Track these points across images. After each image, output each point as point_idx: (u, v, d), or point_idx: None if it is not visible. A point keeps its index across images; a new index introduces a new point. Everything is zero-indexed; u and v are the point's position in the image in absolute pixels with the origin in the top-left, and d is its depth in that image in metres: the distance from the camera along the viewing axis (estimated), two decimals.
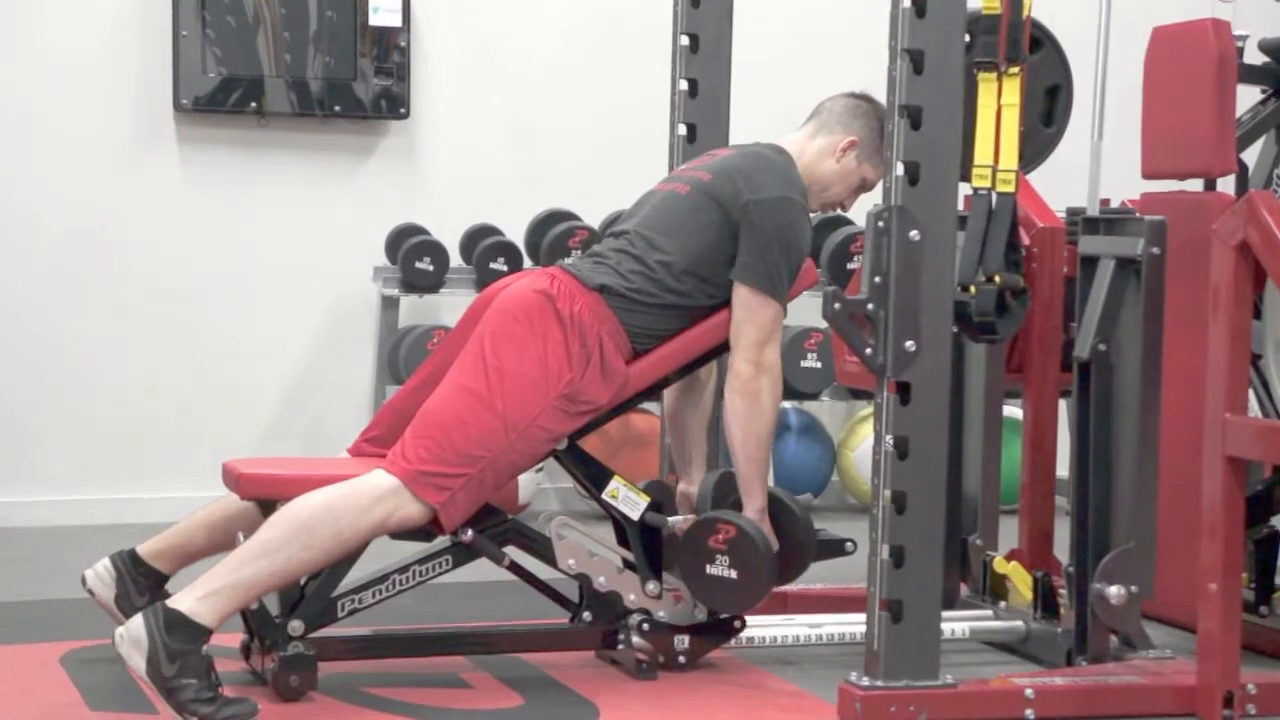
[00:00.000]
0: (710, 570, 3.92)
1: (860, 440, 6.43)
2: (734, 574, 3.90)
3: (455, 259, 6.28)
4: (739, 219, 3.95)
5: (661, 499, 4.07)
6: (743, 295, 3.95)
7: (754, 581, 3.92)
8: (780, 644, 4.19)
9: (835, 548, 4.20)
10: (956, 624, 4.23)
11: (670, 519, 4.03)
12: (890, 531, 3.61)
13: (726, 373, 3.98)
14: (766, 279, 3.94)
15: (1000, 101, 3.86)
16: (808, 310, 5.29)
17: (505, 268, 6.09)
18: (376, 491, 3.73)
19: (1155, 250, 3.90)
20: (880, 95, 3.78)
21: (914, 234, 3.58)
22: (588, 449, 4.03)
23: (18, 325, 6.04)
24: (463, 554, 3.92)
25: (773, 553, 3.93)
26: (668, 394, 4.25)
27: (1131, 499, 3.95)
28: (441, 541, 3.91)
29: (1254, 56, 4.65)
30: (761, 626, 4.17)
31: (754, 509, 3.96)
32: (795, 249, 3.98)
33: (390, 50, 6.25)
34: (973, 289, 3.89)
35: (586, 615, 4.05)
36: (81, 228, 6.08)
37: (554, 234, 6.13)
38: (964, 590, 4.46)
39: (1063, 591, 4.15)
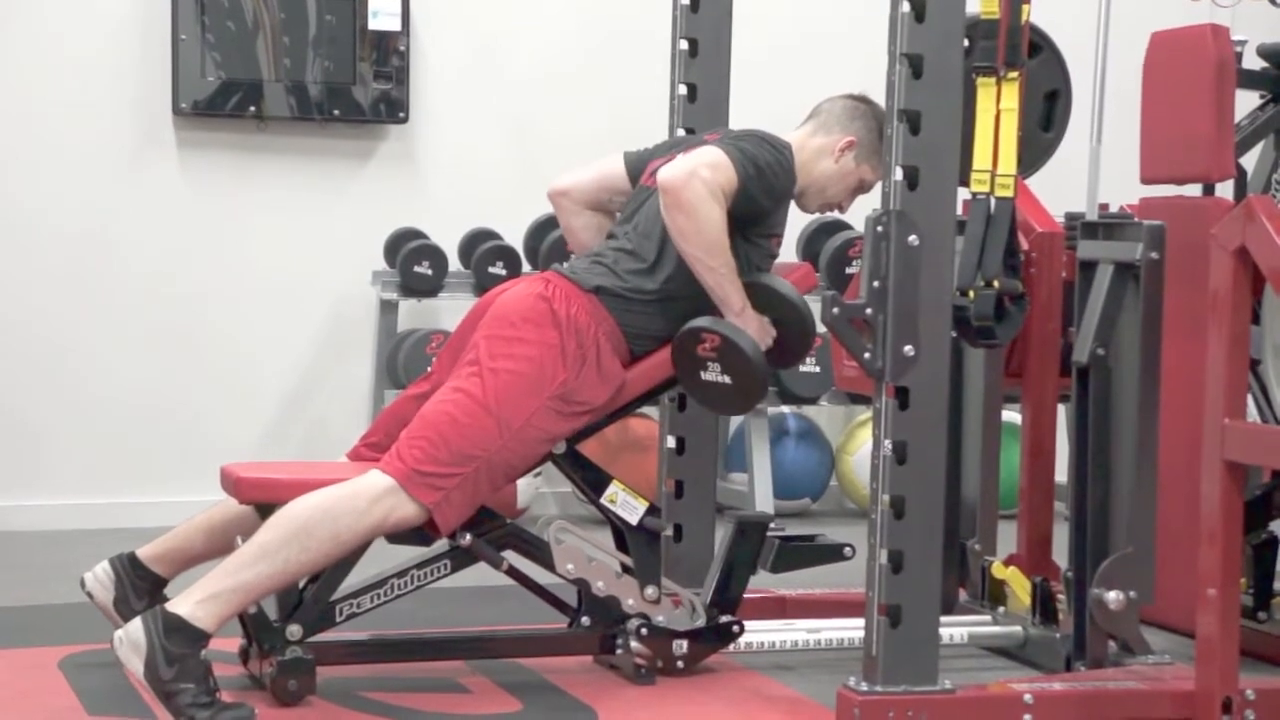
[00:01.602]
0: (705, 376, 3.90)
1: (859, 445, 6.43)
2: (727, 379, 3.88)
3: (454, 263, 6.28)
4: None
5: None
6: (699, 149, 3.89)
7: (748, 383, 3.88)
8: (779, 649, 4.19)
9: (834, 552, 4.21)
10: (955, 629, 4.23)
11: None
12: (889, 536, 3.60)
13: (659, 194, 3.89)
14: (731, 147, 3.88)
15: (999, 106, 3.87)
16: None
17: (504, 272, 6.09)
18: (373, 492, 3.73)
19: (1154, 255, 3.90)
20: (879, 98, 3.78)
21: (913, 239, 3.58)
22: (586, 453, 4.04)
23: (18, 329, 6.05)
24: (461, 558, 3.92)
25: (759, 353, 3.88)
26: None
27: (1130, 504, 3.95)
28: (440, 546, 3.91)
29: (1253, 61, 4.65)
30: (760, 631, 4.17)
31: (733, 312, 3.91)
32: (770, 161, 3.92)
33: (389, 54, 6.26)
34: (971, 294, 3.89)
35: (585, 620, 4.05)
36: (81, 231, 6.09)
37: (553, 238, 6.13)
38: (962, 595, 4.46)
39: (1061, 596, 4.15)
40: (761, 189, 3.92)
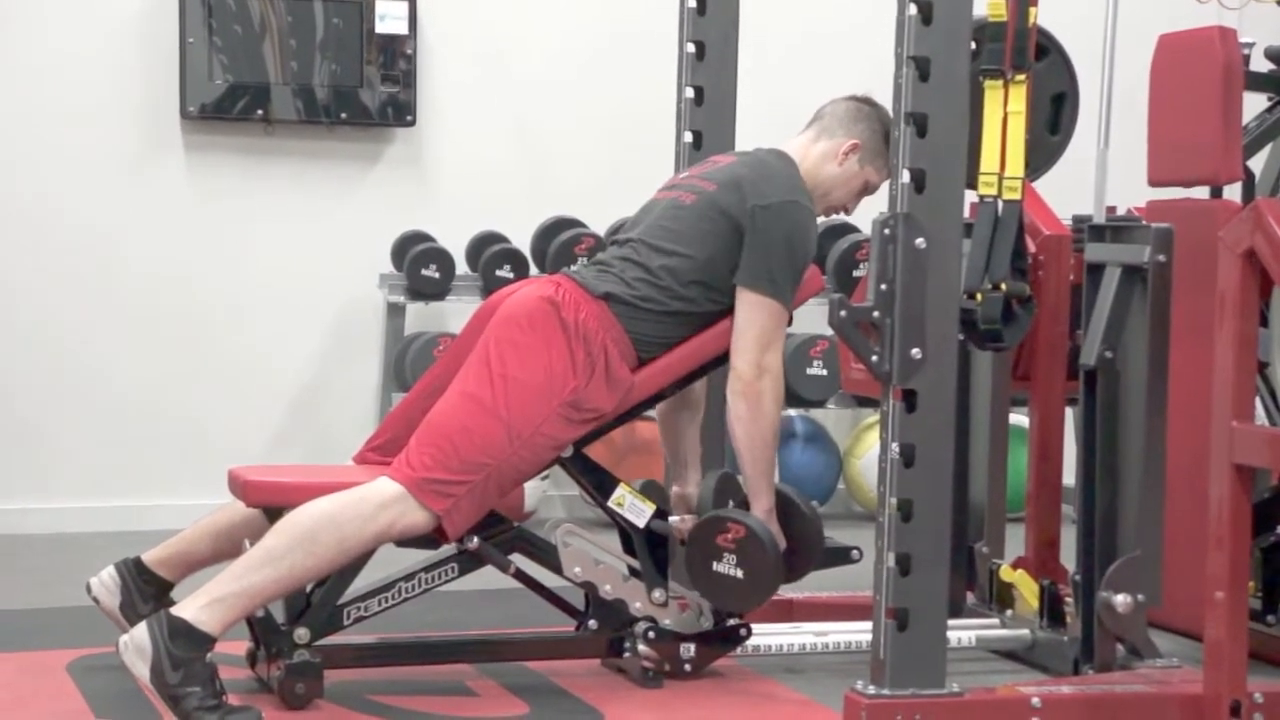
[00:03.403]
0: (717, 568, 3.92)
1: (866, 448, 6.42)
2: (740, 574, 3.89)
3: (461, 266, 6.28)
4: (745, 226, 3.95)
5: (658, 499, 4.06)
6: (746, 298, 3.95)
7: (760, 582, 3.91)
8: (786, 652, 4.19)
9: (841, 556, 4.20)
10: (963, 632, 4.23)
11: (671, 519, 4.03)
12: (896, 539, 3.60)
13: (729, 375, 3.97)
14: (770, 282, 3.93)
15: (1006, 109, 3.86)
16: (813, 318, 5.27)
17: (511, 275, 6.09)
18: (380, 499, 3.73)
19: (1161, 258, 3.90)
20: (885, 99, 3.77)
21: (920, 241, 3.58)
22: (593, 457, 4.03)
23: (27, 332, 6.05)
24: (468, 562, 3.92)
25: (779, 554, 3.92)
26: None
27: (1138, 507, 3.94)
28: (447, 549, 3.91)
29: (1260, 64, 4.65)
30: (767, 634, 4.17)
31: (761, 509, 3.96)
32: (800, 253, 3.98)
33: (397, 58, 6.26)
34: (979, 297, 3.88)
35: (592, 623, 4.05)
36: (88, 235, 6.09)
37: (560, 241, 6.13)
38: (970, 598, 4.46)
39: (1069, 600, 4.15)
40: (801, 277, 4.00)
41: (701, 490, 4.14)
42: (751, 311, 3.94)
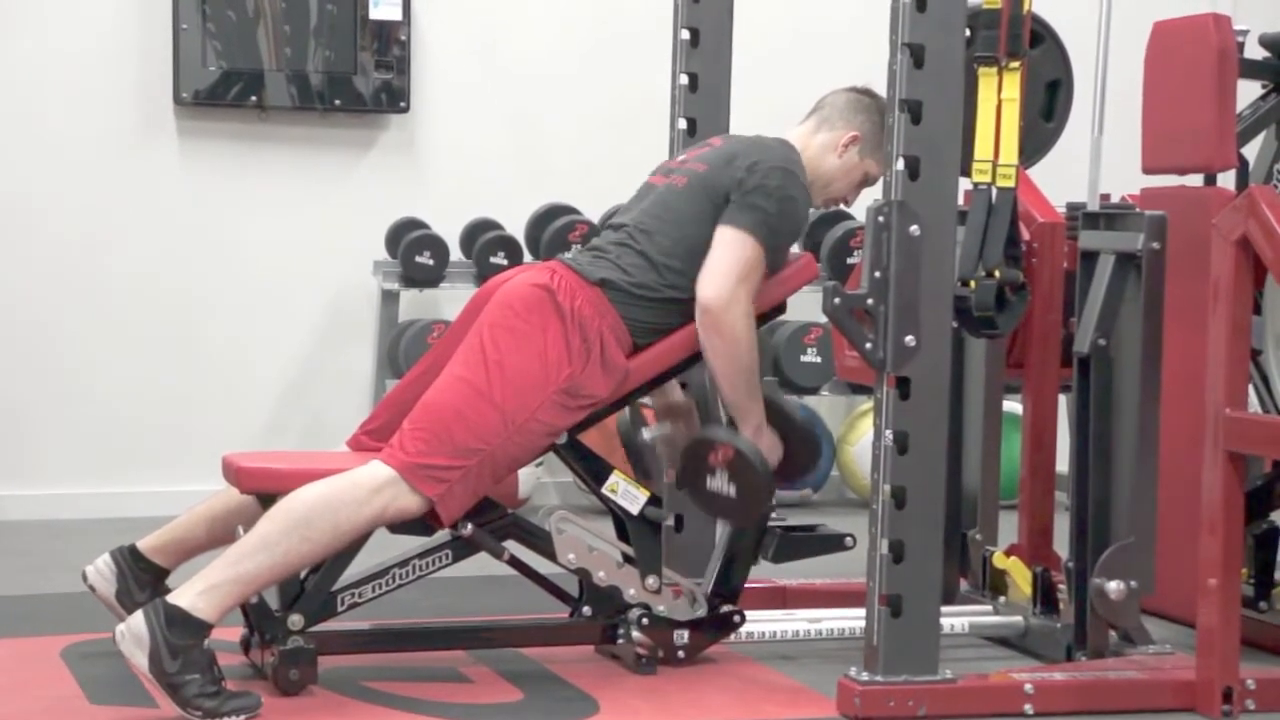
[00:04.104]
0: (710, 485, 3.92)
1: (860, 435, 6.43)
2: (732, 491, 3.90)
3: (455, 253, 6.28)
4: (733, 187, 3.92)
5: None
6: (724, 233, 3.88)
7: (753, 499, 3.91)
8: (780, 639, 4.19)
9: (835, 543, 4.21)
10: (956, 619, 4.23)
11: (646, 430, 4.05)
12: (890, 526, 3.61)
13: (696, 310, 3.89)
14: (753, 221, 3.88)
15: (1000, 96, 3.86)
16: (807, 305, 5.28)
17: (505, 262, 6.09)
18: (374, 483, 3.73)
19: (1155, 245, 3.90)
20: (881, 89, 3.77)
21: (914, 229, 3.58)
22: (587, 443, 4.04)
23: (17, 318, 6.04)
24: (462, 548, 3.92)
25: (769, 471, 3.91)
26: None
27: (1131, 494, 3.95)
28: (441, 536, 3.91)
29: (1255, 51, 4.64)
30: (761, 621, 4.18)
31: (749, 429, 3.93)
32: (789, 216, 3.93)
33: (390, 44, 6.25)
34: (973, 284, 3.88)
35: (586, 610, 4.05)
36: (81, 221, 6.08)
37: (554, 228, 6.13)
38: (963, 585, 4.47)
39: (1062, 586, 4.15)
40: (785, 244, 3.96)
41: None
42: (729, 245, 3.87)
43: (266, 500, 3.77)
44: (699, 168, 4.02)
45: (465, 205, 6.35)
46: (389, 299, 6.30)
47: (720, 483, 3.91)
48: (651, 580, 4.02)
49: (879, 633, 3.63)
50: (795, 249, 4.60)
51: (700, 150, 4.13)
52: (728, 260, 3.87)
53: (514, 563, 3.99)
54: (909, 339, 3.60)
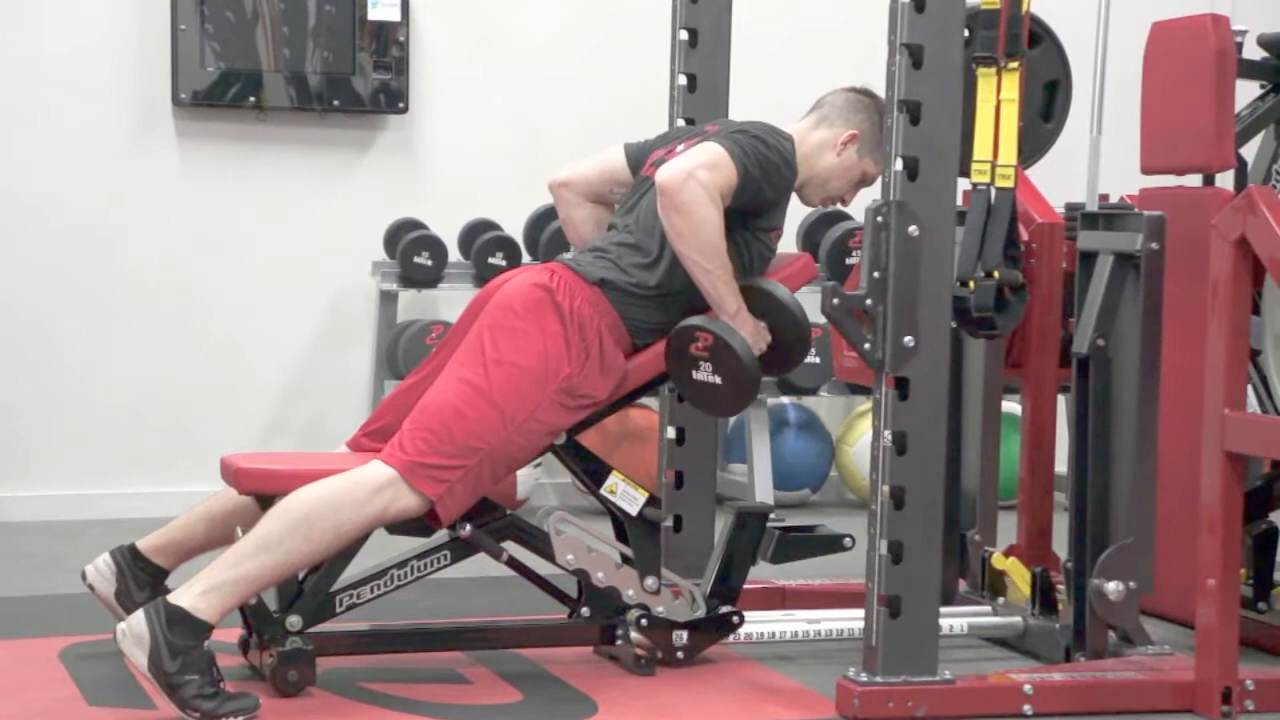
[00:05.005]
0: (696, 376, 3.88)
1: (859, 436, 6.43)
2: (718, 379, 3.86)
3: (454, 254, 6.28)
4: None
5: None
6: (699, 146, 3.87)
7: (739, 384, 3.85)
8: (779, 640, 4.19)
9: (834, 543, 4.21)
10: (955, 620, 4.23)
11: None
12: (889, 527, 3.61)
13: (655, 194, 3.87)
14: (728, 142, 3.86)
15: (999, 96, 3.87)
16: (806, 305, 5.29)
17: (504, 263, 6.09)
18: (374, 483, 3.73)
19: (1154, 245, 3.90)
20: (880, 90, 3.77)
21: (913, 229, 3.58)
22: (586, 444, 4.03)
23: (16, 319, 6.05)
24: (461, 549, 3.92)
25: (751, 355, 3.85)
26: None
27: (1130, 494, 3.95)
28: (440, 536, 3.91)
29: (1253, 51, 4.64)
30: (760, 622, 4.17)
31: (727, 315, 3.88)
32: (767, 158, 3.89)
33: (389, 44, 6.25)
34: (972, 284, 3.89)
35: (585, 610, 4.05)
36: (79, 222, 6.08)
37: (553, 229, 6.12)
38: (962, 586, 4.47)
39: (1061, 587, 4.15)
40: (763, 183, 3.91)
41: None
42: (700, 149, 3.85)
43: (265, 501, 3.77)
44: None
45: (464, 206, 6.36)
46: (387, 299, 6.30)
47: (705, 374, 3.86)
48: (650, 581, 4.02)
49: (878, 633, 3.63)
50: (795, 249, 4.61)
51: (695, 140, 4.10)
52: (690, 154, 3.85)
53: (512, 564, 3.98)
54: (908, 339, 3.60)
